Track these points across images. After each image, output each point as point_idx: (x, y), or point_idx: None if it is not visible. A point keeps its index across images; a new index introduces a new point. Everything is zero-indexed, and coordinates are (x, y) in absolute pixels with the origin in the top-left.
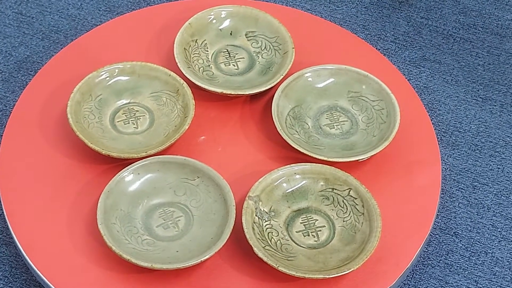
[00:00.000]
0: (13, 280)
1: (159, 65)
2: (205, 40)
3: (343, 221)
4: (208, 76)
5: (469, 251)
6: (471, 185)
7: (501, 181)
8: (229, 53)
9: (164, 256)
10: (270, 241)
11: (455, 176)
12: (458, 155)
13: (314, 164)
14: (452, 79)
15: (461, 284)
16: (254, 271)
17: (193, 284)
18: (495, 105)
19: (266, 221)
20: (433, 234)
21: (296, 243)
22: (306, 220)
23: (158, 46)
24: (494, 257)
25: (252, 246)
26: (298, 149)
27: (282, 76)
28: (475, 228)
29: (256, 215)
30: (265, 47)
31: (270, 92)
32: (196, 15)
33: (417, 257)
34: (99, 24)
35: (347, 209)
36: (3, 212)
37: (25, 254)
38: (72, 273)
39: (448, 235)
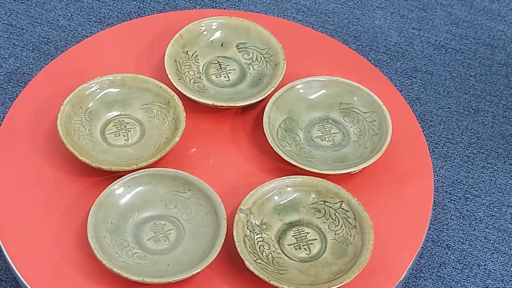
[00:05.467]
0: None
1: (150, 76)
2: (196, 51)
3: (335, 234)
4: (199, 88)
5: (462, 263)
6: (463, 197)
7: (494, 192)
8: (220, 64)
9: (155, 269)
10: (262, 254)
11: (447, 188)
12: (450, 166)
13: (306, 176)
14: (444, 90)
15: None
16: (245, 285)
17: None
18: (487, 116)
19: (257, 234)
20: (425, 246)
21: (287, 256)
22: (297, 233)
23: (148, 58)
24: (486, 269)
25: (244, 259)
26: (289, 161)
27: (273, 88)
28: (468, 240)
29: (247, 228)
30: (256, 58)
31: (262, 104)
32: (187, 27)
33: (409, 269)
34: (90, 36)
35: (339, 222)
36: None
37: (14, 268)
38: (62, 287)
39: (440, 248)
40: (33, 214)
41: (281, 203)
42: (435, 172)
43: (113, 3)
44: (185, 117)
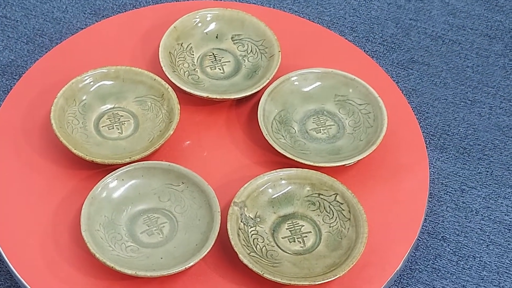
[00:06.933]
0: None
1: (144, 69)
2: (190, 43)
3: (329, 227)
4: (194, 80)
5: (457, 255)
6: (459, 189)
7: (490, 184)
8: (215, 56)
9: (148, 263)
10: (256, 247)
11: (443, 180)
12: (446, 158)
13: (300, 169)
14: (440, 82)
15: None
16: (239, 278)
17: None
18: (483, 108)
19: (251, 227)
20: (420, 238)
21: (281, 249)
22: (292, 226)
23: (143, 50)
24: (482, 261)
25: (237, 253)
26: (284, 154)
27: (268, 80)
28: (463, 232)
29: (241, 221)
30: (251, 50)
31: (256, 96)
32: (181, 18)
33: (404, 262)
34: (84, 28)
35: (333, 214)
36: None
37: (8, 261)
38: (56, 280)
39: (436, 240)
40: (27, 208)
41: (275, 196)
42: (431, 164)
43: None
44: (179, 109)
